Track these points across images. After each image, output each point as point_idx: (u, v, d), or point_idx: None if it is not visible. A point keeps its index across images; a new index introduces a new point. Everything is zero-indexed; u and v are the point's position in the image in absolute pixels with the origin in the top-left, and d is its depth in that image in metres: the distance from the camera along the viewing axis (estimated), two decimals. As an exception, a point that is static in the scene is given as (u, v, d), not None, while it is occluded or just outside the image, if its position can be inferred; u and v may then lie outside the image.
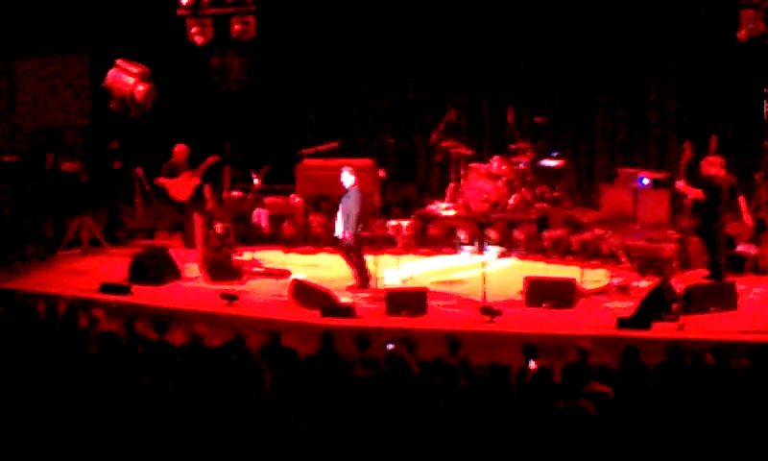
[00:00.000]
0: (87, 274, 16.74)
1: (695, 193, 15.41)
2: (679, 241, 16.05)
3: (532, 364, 11.00)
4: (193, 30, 19.26)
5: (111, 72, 18.51)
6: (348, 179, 15.76)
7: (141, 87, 18.39)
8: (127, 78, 18.44)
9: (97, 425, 9.48)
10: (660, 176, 17.66)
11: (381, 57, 20.76)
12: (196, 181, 17.77)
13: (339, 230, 15.80)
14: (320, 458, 8.75)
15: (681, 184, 15.99)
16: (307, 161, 18.62)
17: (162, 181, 17.79)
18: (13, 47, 19.82)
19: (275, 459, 8.77)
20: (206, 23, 19.30)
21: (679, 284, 14.71)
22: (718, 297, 14.54)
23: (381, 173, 18.03)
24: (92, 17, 20.19)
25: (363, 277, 15.74)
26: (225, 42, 19.62)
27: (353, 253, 15.80)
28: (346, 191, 15.76)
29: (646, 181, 17.43)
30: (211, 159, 17.96)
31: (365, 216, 15.92)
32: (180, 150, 17.90)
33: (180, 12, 19.21)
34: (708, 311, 14.30)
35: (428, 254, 17.52)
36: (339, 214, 15.82)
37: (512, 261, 16.85)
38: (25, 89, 20.34)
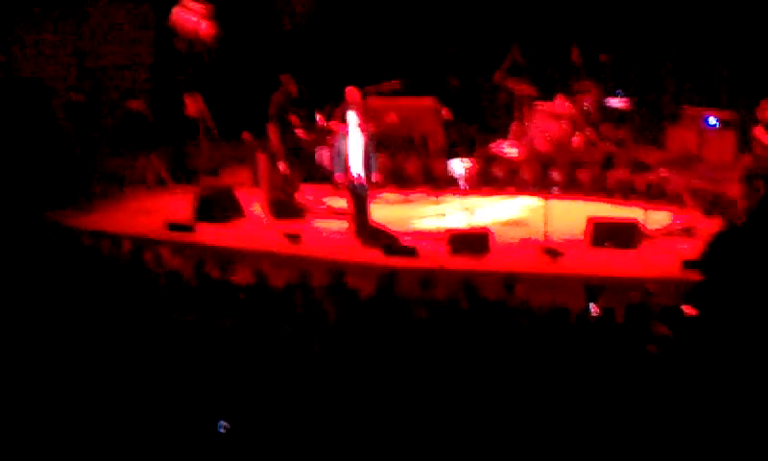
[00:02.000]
0: (153, 212, 16.92)
1: None
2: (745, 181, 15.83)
3: (593, 308, 10.97)
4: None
5: (176, 10, 18.56)
6: (352, 118, 15.52)
7: (205, 25, 18.45)
8: (191, 16, 18.50)
9: (162, 362, 9.64)
10: (726, 116, 17.43)
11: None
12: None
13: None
14: (379, 402, 8.83)
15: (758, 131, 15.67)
16: (370, 100, 18.59)
17: None
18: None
19: (334, 403, 8.87)
20: None
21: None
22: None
23: (445, 113, 17.93)
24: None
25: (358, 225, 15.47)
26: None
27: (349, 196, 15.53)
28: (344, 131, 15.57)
29: (713, 121, 17.22)
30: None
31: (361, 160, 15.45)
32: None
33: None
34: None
35: (491, 194, 17.49)
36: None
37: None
38: (91, 29, 20.44)
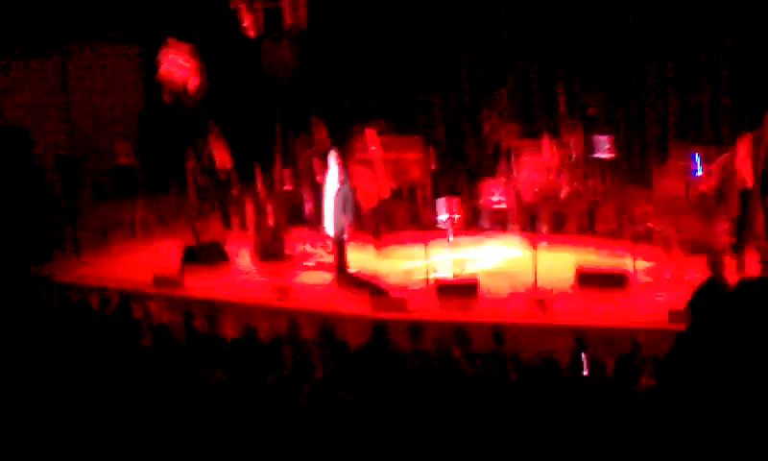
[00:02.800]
0: (141, 264, 16.90)
1: None
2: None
3: (584, 356, 10.98)
4: (245, 23, 19.31)
5: (164, 66, 18.62)
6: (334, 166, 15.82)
7: (194, 80, 18.54)
8: (179, 71, 18.58)
9: (148, 417, 9.59)
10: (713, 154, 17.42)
11: (433, 39, 20.72)
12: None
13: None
14: (370, 449, 8.80)
15: None
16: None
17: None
18: (65, 40, 19.96)
19: (325, 449, 8.84)
20: (258, 16, 19.33)
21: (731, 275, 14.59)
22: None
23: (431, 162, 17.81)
24: (143, 8, 20.31)
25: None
26: (276, 31, 19.65)
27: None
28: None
29: (699, 161, 17.20)
30: None
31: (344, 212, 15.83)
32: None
33: (232, 4, 19.29)
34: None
35: (478, 243, 17.50)
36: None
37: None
38: (78, 82, 20.46)
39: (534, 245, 15.59)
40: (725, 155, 15.87)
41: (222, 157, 18.40)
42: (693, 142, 17.97)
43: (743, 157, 15.34)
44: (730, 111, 18.76)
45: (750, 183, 15.29)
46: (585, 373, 10.52)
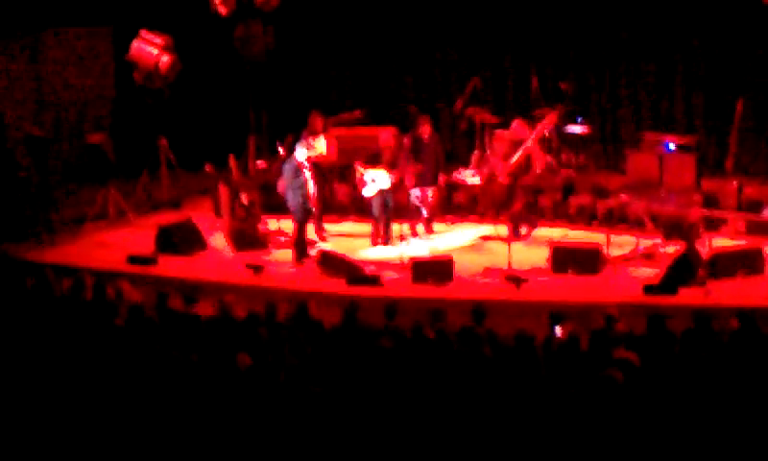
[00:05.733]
0: (114, 246, 16.84)
1: None
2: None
3: (558, 331, 11.00)
4: (216, 0, 19.26)
5: (135, 44, 18.55)
6: (300, 152, 15.88)
7: (165, 59, 18.46)
8: (150, 49, 18.50)
9: (124, 398, 9.56)
10: (685, 140, 17.56)
11: (406, 23, 20.68)
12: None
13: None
14: (344, 429, 8.80)
15: None
16: (331, 130, 18.58)
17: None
18: (37, 21, 19.81)
19: (299, 431, 8.82)
20: None
21: (705, 250, 14.68)
22: (745, 262, 14.49)
23: (406, 142, 17.74)
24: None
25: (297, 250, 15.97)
26: (248, 12, 19.59)
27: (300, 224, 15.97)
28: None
29: (672, 147, 17.34)
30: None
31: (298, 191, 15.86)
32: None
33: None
34: (734, 276, 14.26)
35: (453, 222, 17.52)
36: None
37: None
38: (49, 64, 20.33)
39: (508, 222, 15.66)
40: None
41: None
42: (666, 131, 18.12)
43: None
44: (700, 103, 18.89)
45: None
46: (559, 344, 10.54)
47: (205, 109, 20.92)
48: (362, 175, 16.31)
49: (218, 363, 9.98)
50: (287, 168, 15.95)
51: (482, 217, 17.43)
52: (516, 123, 17.35)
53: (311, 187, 15.88)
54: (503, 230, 15.97)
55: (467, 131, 19.14)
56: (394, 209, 16.50)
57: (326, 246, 16.25)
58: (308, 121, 17.06)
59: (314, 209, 16.17)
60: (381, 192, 16.17)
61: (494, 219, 16.79)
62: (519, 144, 17.27)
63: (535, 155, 16.73)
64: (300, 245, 15.90)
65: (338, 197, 18.08)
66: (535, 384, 9.37)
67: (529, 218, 16.71)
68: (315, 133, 16.75)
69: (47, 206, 17.67)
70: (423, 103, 20.20)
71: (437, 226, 16.96)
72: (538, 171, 17.21)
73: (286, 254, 16.16)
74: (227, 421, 9.09)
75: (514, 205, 16.56)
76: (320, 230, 16.98)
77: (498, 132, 18.14)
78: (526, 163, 16.57)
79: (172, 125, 19.34)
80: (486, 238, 16.57)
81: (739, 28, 18.35)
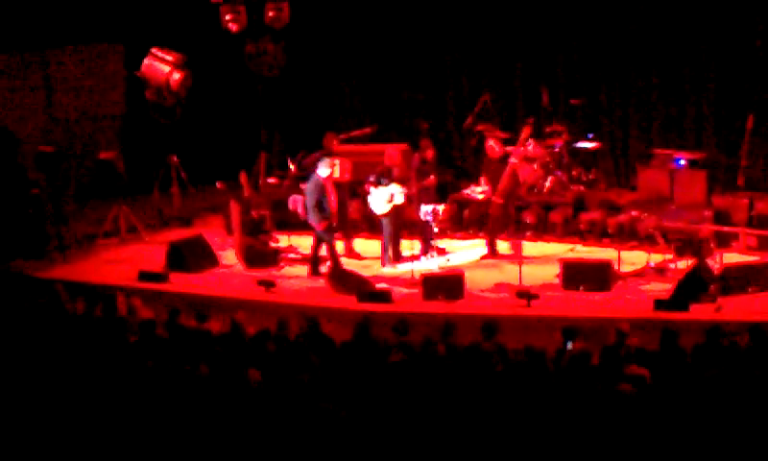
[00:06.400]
0: (125, 262, 16.87)
1: None
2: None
3: (570, 346, 10.99)
4: (227, 17, 19.36)
5: (146, 61, 18.60)
6: (323, 171, 15.82)
7: (176, 76, 18.49)
8: (162, 66, 18.54)
9: (135, 414, 9.57)
10: (696, 156, 17.55)
11: (416, 40, 20.70)
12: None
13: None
14: (355, 445, 8.79)
15: None
16: (343, 147, 18.61)
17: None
18: (48, 38, 19.89)
19: (310, 447, 8.83)
20: (240, 10, 19.39)
21: (716, 265, 14.65)
22: (756, 277, 14.46)
23: (429, 154, 17.57)
24: (126, 7, 20.24)
25: (313, 266, 16.00)
26: (259, 29, 19.68)
27: (319, 241, 15.92)
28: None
29: (683, 162, 17.33)
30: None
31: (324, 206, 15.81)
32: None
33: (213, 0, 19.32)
34: (745, 292, 14.23)
35: (464, 238, 17.53)
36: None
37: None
38: (60, 80, 20.40)
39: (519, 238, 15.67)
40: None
41: None
42: (677, 147, 18.09)
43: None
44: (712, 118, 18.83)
45: None
46: (570, 359, 10.52)
47: (216, 125, 20.96)
48: (376, 191, 16.24)
49: (228, 379, 9.99)
50: (310, 188, 15.86)
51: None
52: (529, 142, 17.31)
53: (333, 205, 15.85)
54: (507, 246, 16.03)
55: (476, 147, 19.13)
56: (404, 225, 16.50)
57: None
58: (323, 143, 17.04)
59: (336, 226, 16.11)
60: (394, 209, 16.15)
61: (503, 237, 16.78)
62: (531, 160, 17.29)
63: (519, 169, 16.60)
64: (335, 263, 15.81)
65: (350, 213, 18.06)
66: (545, 400, 9.36)
67: (513, 233, 16.61)
68: (330, 155, 16.70)
69: (58, 222, 17.70)
70: (433, 118, 20.21)
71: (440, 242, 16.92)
72: (528, 182, 17.21)
73: (297, 271, 16.17)
74: (237, 437, 9.09)
75: (489, 220, 16.55)
76: (350, 252, 16.94)
77: (509, 148, 18.11)
78: (514, 181, 16.47)
79: (183, 142, 19.39)
80: (487, 256, 16.53)
81: (750, 43, 18.31)
